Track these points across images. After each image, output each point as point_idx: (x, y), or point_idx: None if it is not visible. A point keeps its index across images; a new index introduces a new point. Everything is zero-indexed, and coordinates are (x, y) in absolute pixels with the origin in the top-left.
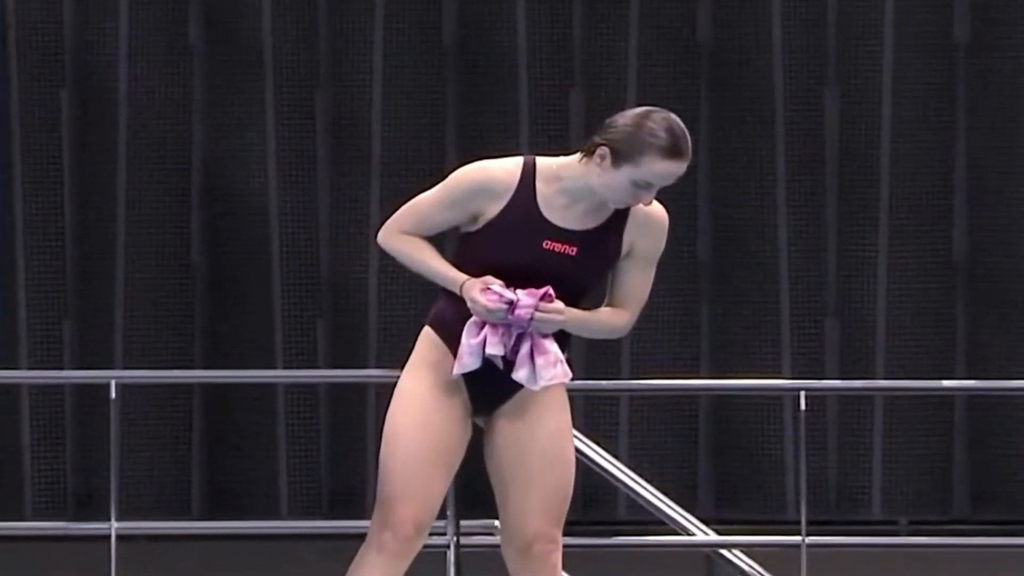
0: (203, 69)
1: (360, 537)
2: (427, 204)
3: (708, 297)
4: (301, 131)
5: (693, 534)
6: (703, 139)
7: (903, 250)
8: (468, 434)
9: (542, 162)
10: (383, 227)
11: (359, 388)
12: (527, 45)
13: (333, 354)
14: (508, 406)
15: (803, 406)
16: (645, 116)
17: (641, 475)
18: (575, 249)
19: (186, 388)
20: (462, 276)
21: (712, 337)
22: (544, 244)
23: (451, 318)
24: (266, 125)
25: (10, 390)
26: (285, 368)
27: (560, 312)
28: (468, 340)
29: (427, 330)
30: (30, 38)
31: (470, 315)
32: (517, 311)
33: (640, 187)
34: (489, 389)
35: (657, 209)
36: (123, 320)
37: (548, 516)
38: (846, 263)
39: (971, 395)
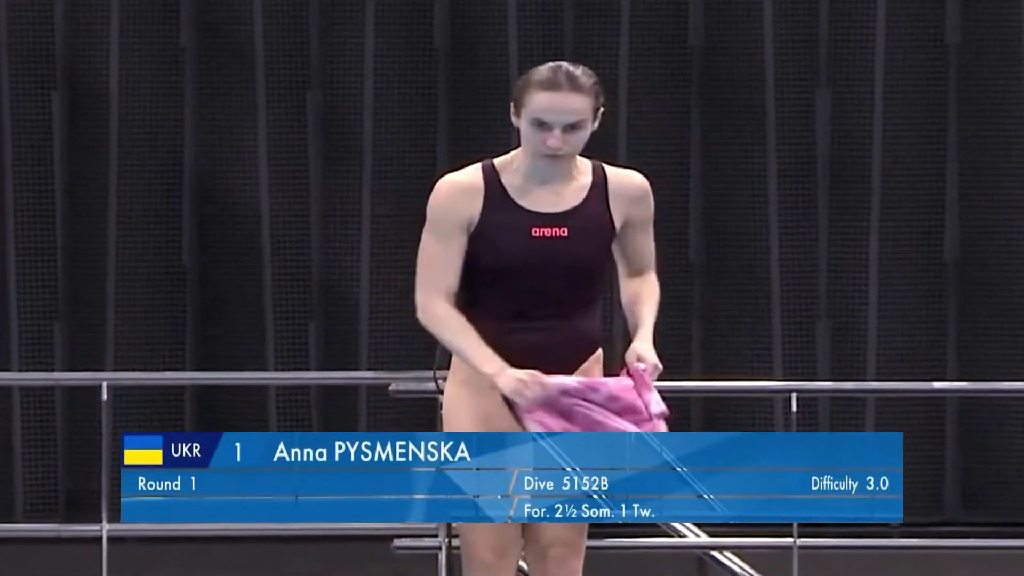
0: (194, 71)
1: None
2: (430, 251)
3: (699, 298)
4: (292, 133)
5: (685, 536)
6: (694, 141)
7: (894, 252)
8: None
9: (499, 159)
10: (418, 306)
11: (350, 390)
12: (518, 47)
13: (325, 356)
14: None
15: (794, 407)
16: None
17: None
18: (566, 230)
19: (177, 390)
20: (490, 365)
21: (703, 338)
22: (534, 232)
23: (480, 320)
24: (257, 127)
25: (1, 392)
26: (276, 370)
27: (656, 365)
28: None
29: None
30: (21, 41)
31: (503, 308)
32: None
33: (538, 127)
34: None
35: (632, 175)
36: (114, 322)
37: (569, 525)
38: (837, 265)
39: (962, 397)
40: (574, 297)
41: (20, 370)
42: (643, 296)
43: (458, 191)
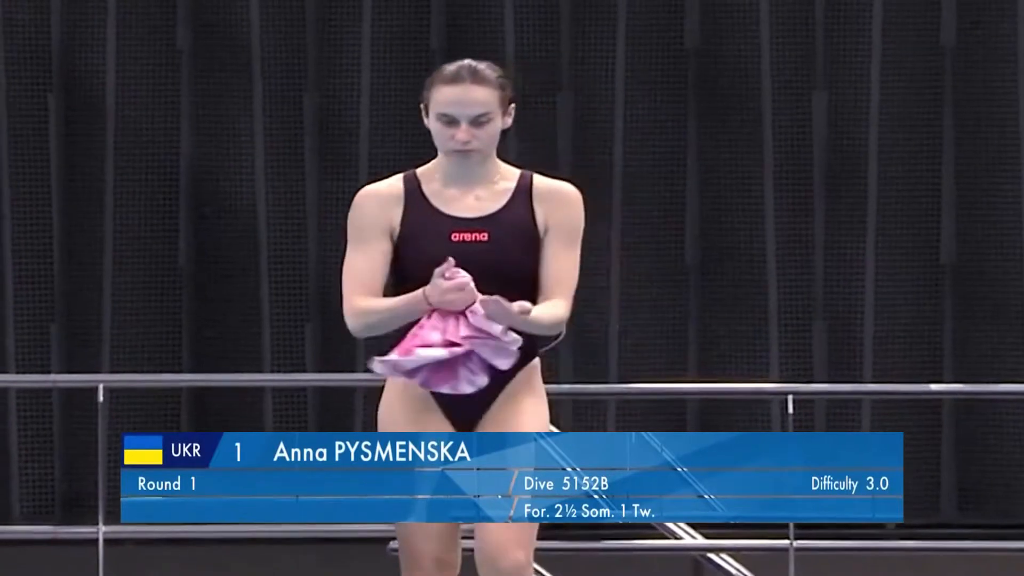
0: (191, 73)
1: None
2: (350, 262)
3: (695, 301)
4: (289, 135)
5: (681, 538)
6: (690, 143)
7: (891, 253)
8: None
9: (422, 168)
10: (346, 316)
11: (347, 391)
12: (515, 49)
13: (321, 357)
14: (486, 418)
15: (791, 409)
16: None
17: None
18: (486, 234)
19: (174, 392)
20: (417, 292)
21: (700, 341)
22: (453, 237)
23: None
24: (254, 129)
25: None
26: (273, 371)
27: (523, 308)
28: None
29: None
30: (17, 42)
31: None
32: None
33: (445, 123)
34: (461, 405)
35: (561, 183)
36: (110, 324)
37: (517, 531)
38: (834, 266)
39: (958, 399)
40: None
41: (17, 372)
42: (539, 307)
43: (376, 199)
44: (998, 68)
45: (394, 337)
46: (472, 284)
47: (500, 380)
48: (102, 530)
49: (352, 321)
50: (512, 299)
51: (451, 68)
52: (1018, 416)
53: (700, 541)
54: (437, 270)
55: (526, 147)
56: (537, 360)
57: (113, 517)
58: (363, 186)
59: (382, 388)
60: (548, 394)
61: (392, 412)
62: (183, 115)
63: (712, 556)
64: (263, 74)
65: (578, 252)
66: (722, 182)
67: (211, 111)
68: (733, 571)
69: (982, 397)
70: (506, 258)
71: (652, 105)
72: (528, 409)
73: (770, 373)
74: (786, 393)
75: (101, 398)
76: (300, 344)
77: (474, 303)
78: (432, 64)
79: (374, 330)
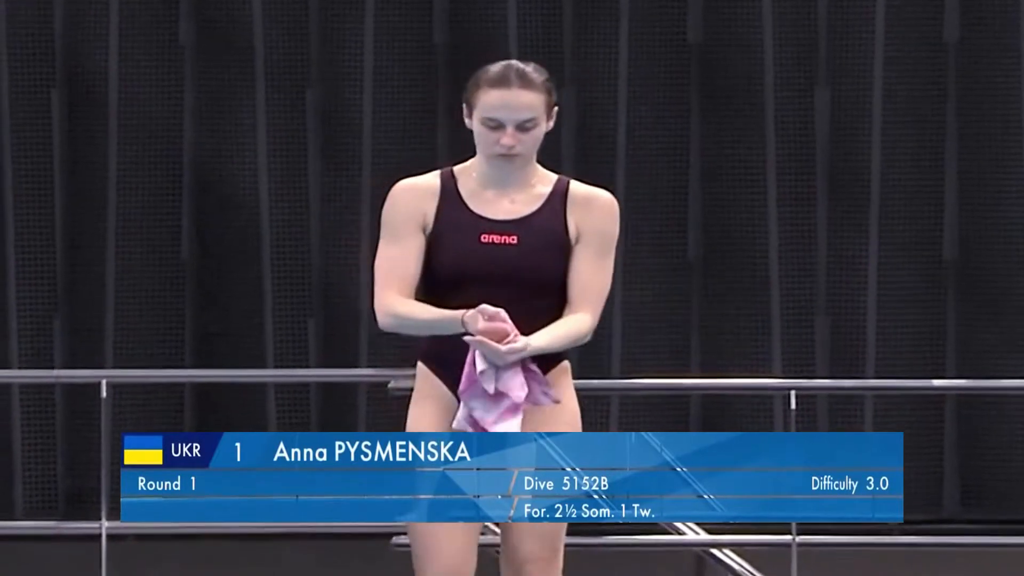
0: (194, 68)
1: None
2: (384, 255)
3: (698, 296)
4: (292, 129)
5: (684, 534)
6: (693, 139)
7: (893, 249)
8: None
9: (459, 166)
10: (377, 311)
11: (350, 387)
12: (517, 44)
13: (324, 353)
14: None
15: (793, 405)
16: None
17: None
18: (516, 238)
19: (177, 387)
20: (458, 312)
21: (703, 336)
22: (483, 238)
23: (441, 348)
24: (257, 124)
25: (1, 389)
26: (276, 367)
27: (524, 347)
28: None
29: (420, 366)
30: (21, 38)
31: (458, 342)
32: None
33: (490, 127)
34: None
35: (598, 190)
36: (113, 319)
37: (541, 538)
38: (836, 262)
39: (961, 394)
40: (531, 308)
41: (19, 367)
42: (556, 325)
43: (412, 192)
44: (1001, 64)
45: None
46: (508, 322)
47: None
48: (105, 525)
49: (384, 319)
50: (540, 304)
51: (497, 69)
52: (1020, 411)
53: (703, 537)
54: (483, 309)
55: None
56: (567, 363)
57: (116, 513)
58: (366, 188)
59: (385, 384)
60: None
61: (423, 417)
62: (186, 110)
63: (715, 552)
64: (265, 69)
65: (610, 262)
66: (724, 177)
67: (214, 106)
68: (736, 567)
69: (984, 392)
70: (534, 263)
71: (655, 100)
72: (557, 414)
73: (772, 368)
74: (789, 388)
75: (104, 393)
76: (303, 339)
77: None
78: (434, 59)
79: (404, 332)
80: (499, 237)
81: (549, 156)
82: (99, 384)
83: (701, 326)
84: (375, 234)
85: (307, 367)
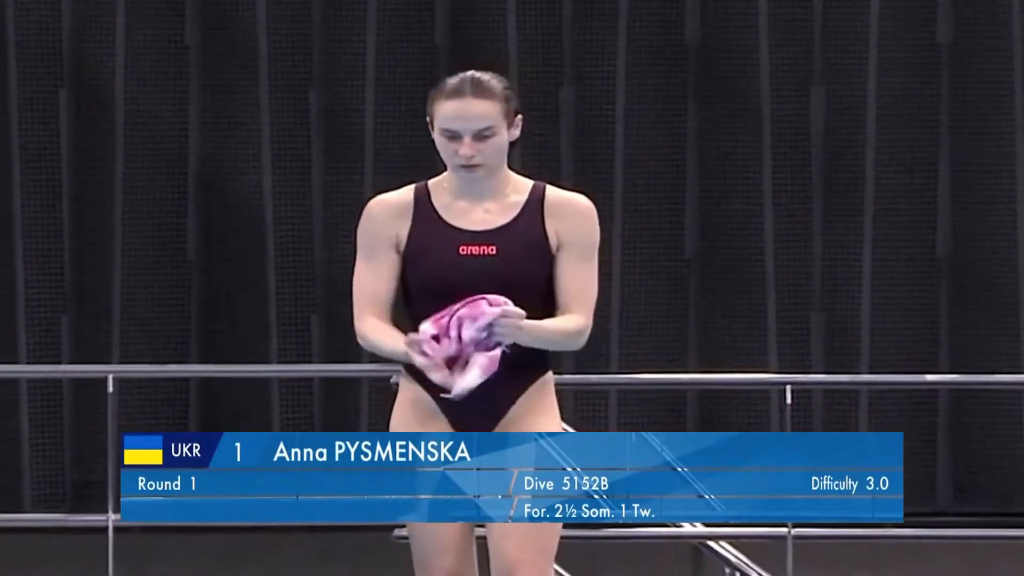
0: (199, 68)
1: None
2: (359, 274)
3: (695, 293)
4: (295, 129)
5: (681, 526)
6: (690, 138)
7: (887, 246)
8: None
9: (433, 180)
10: (356, 328)
11: (352, 382)
12: (517, 44)
13: (327, 349)
14: (496, 431)
15: (789, 399)
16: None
17: None
18: (495, 248)
19: (182, 382)
20: (400, 342)
21: (700, 332)
22: (461, 250)
23: None
24: (261, 123)
25: (9, 384)
26: (279, 363)
27: (520, 319)
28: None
29: (402, 370)
30: (30, 39)
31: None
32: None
33: (448, 138)
34: (472, 420)
35: (574, 196)
36: (120, 315)
37: (528, 543)
38: (831, 259)
39: (954, 389)
40: None
41: (28, 362)
42: (553, 320)
43: (385, 209)
44: (992, 66)
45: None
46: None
47: (511, 394)
48: (112, 518)
49: (360, 341)
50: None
51: (453, 81)
52: (1012, 405)
53: (700, 529)
54: (412, 339)
55: (529, 141)
56: (550, 374)
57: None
58: (369, 186)
59: (387, 383)
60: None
61: (404, 424)
62: (191, 109)
63: (711, 544)
64: (269, 69)
65: (594, 265)
66: (721, 175)
67: (219, 105)
68: (732, 559)
69: (977, 387)
70: (515, 272)
71: (653, 99)
72: (540, 426)
73: (768, 363)
74: (784, 383)
75: (111, 388)
76: (306, 335)
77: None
78: (436, 60)
79: (372, 350)
80: (478, 248)
81: (548, 155)
82: (106, 379)
83: (698, 322)
84: None
85: (310, 363)
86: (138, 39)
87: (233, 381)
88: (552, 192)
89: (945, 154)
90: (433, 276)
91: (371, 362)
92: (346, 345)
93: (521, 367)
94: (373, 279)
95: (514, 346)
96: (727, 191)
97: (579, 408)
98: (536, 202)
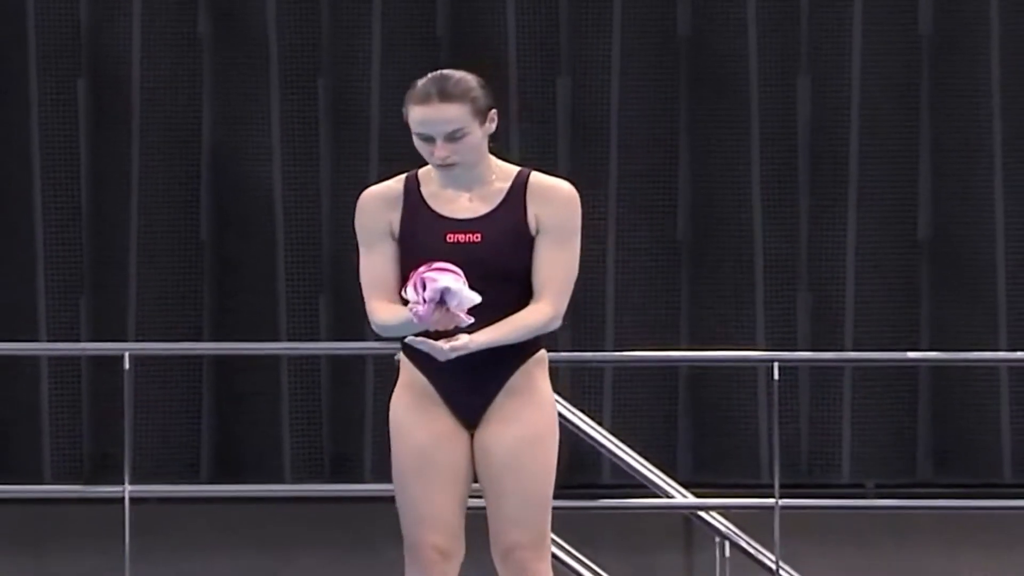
0: (211, 58)
1: (357, 500)
2: (363, 264)
3: (687, 274)
4: (304, 116)
5: (673, 497)
6: (682, 125)
7: (871, 230)
8: (463, 447)
9: (423, 169)
10: (370, 317)
11: (358, 359)
12: (516, 36)
13: (334, 327)
14: (488, 414)
15: (776, 376)
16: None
17: (624, 441)
18: (479, 235)
19: (195, 359)
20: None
21: (691, 311)
22: (448, 238)
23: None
24: (271, 111)
25: (30, 361)
26: (289, 341)
27: (465, 345)
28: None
29: (400, 354)
30: (48, 30)
31: (430, 334)
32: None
33: (423, 140)
34: (464, 400)
35: (557, 182)
36: (136, 295)
37: (524, 524)
38: (817, 242)
39: (934, 366)
40: (500, 300)
41: (47, 340)
42: (512, 317)
43: (376, 200)
44: (972, 55)
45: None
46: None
47: (502, 375)
48: (128, 489)
49: (375, 327)
50: (509, 296)
51: (421, 85)
52: (989, 382)
53: (691, 500)
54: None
55: (528, 128)
56: (543, 352)
57: (138, 477)
58: (375, 171)
59: (391, 356)
60: (548, 362)
61: (401, 406)
62: (204, 98)
63: (702, 514)
64: (279, 59)
65: (573, 250)
66: (712, 161)
67: (230, 94)
68: (722, 528)
69: (956, 364)
70: (499, 258)
71: (646, 89)
72: (532, 404)
73: (757, 342)
74: (772, 360)
75: (127, 365)
76: (315, 315)
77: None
78: (437, 52)
79: (389, 335)
80: (463, 236)
81: (545, 142)
82: (122, 356)
83: (690, 302)
84: None
85: (318, 340)
86: (153, 30)
87: (244, 358)
88: (535, 178)
89: (926, 141)
90: (422, 262)
91: (376, 340)
92: (352, 324)
93: (512, 348)
94: (375, 268)
95: (509, 313)
96: (717, 177)
97: (575, 385)
98: (519, 188)
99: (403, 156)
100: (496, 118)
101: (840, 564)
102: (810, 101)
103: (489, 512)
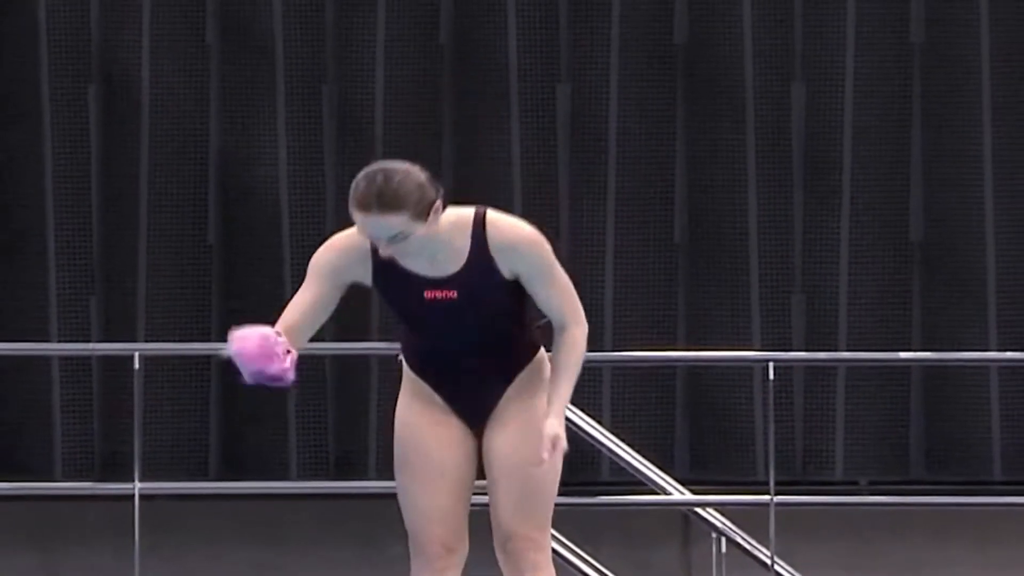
0: (219, 66)
1: (361, 497)
2: (294, 298)
3: (684, 276)
4: (309, 123)
5: (670, 494)
6: (679, 131)
7: (864, 232)
8: (468, 448)
9: None
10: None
11: (363, 359)
12: (517, 43)
13: (338, 328)
14: (494, 416)
15: (771, 376)
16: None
17: (623, 440)
18: (455, 293)
19: (204, 359)
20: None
21: (688, 312)
22: (426, 295)
23: (408, 348)
24: (276, 117)
25: (42, 361)
26: None
27: (560, 436)
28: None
29: (401, 359)
30: (61, 39)
31: (421, 346)
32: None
33: (367, 235)
34: (469, 406)
35: (513, 231)
36: (145, 297)
37: (523, 515)
38: (811, 244)
39: (925, 366)
40: (492, 337)
41: (59, 341)
42: (559, 364)
43: (340, 253)
44: (962, 64)
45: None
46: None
47: (506, 376)
48: (138, 487)
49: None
50: (503, 325)
51: (361, 190)
52: (980, 381)
53: (688, 497)
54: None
55: (527, 134)
56: (543, 353)
57: (148, 475)
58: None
59: (394, 356)
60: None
61: (406, 407)
62: (212, 105)
63: (699, 510)
64: (285, 67)
65: (560, 275)
66: (708, 166)
67: (237, 100)
68: (719, 524)
69: (947, 364)
70: (479, 308)
71: (644, 96)
72: (537, 403)
73: (752, 342)
74: (767, 360)
75: (137, 365)
76: None
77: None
78: (440, 59)
79: None
80: (440, 293)
81: (546, 147)
82: (132, 356)
83: (686, 304)
84: None
85: (323, 340)
86: (162, 38)
87: None
88: (492, 231)
89: (918, 146)
90: (410, 316)
91: (380, 340)
92: (356, 324)
93: (514, 358)
94: (294, 309)
95: (492, 360)
96: (713, 181)
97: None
98: (481, 244)
99: (405, 160)
100: (441, 207)
101: (834, 559)
102: (804, 107)
103: (492, 504)
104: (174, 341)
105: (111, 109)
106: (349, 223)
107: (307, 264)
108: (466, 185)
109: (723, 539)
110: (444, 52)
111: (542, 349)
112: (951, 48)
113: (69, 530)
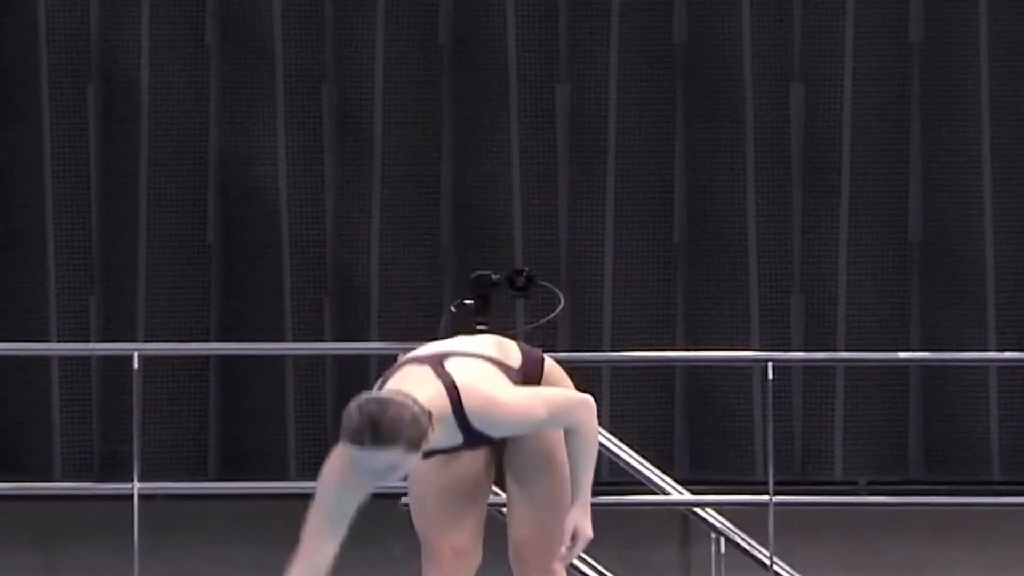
0: (218, 66)
1: None
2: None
3: (683, 276)
4: (308, 123)
5: (669, 494)
6: (679, 130)
7: (863, 232)
8: (484, 457)
9: None
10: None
11: (362, 359)
12: (516, 43)
13: (338, 328)
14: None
15: (770, 376)
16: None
17: (622, 440)
18: (463, 446)
19: (203, 359)
20: None
21: (687, 312)
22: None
23: None
24: (276, 117)
25: (41, 361)
26: (294, 342)
27: (583, 528)
28: None
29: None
30: (60, 39)
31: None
32: None
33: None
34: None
35: (490, 409)
36: (145, 297)
37: (540, 525)
38: (810, 244)
39: (924, 366)
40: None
41: (58, 341)
42: (574, 452)
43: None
44: (961, 64)
45: None
46: None
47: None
48: (137, 487)
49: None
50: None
51: (355, 426)
52: (978, 381)
53: (687, 496)
54: None
55: (528, 133)
56: (549, 362)
57: (147, 474)
58: (377, 176)
59: (394, 357)
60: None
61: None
62: (211, 105)
63: (698, 510)
64: (284, 67)
65: (547, 398)
66: (707, 166)
67: (236, 100)
68: (718, 524)
69: (946, 364)
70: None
71: (643, 96)
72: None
73: (751, 342)
74: (766, 360)
75: (136, 365)
76: (319, 316)
77: None
78: (440, 59)
79: None
80: (451, 451)
81: (546, 147)
82: (131, 356)
83: (686, 303)
84: (384, 220)
85: (323, 341)
86: (161, 39)
87: (250, 358)
88: (473, 418)
89: (916, 146)
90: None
91: (379, 340)
92: (356, 325)
93: (528, 363)
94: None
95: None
96: (713, 181)
97: (575, 384)
98: (469, 427)
99: (406, 162)
100: (431, 433)
101: (833, 559)
102: (803, 107)
103: (508, 514)
104: (173, 341)
105: (111, 109)
106: (347, 222)
107: (305, 264)
108: (466, 185)
109: (722, 539)
110: (443, 52)
111: (546, 358)
112: (950, 48)
113: (68, 530)
